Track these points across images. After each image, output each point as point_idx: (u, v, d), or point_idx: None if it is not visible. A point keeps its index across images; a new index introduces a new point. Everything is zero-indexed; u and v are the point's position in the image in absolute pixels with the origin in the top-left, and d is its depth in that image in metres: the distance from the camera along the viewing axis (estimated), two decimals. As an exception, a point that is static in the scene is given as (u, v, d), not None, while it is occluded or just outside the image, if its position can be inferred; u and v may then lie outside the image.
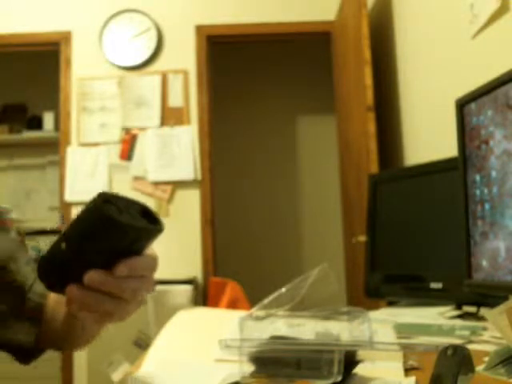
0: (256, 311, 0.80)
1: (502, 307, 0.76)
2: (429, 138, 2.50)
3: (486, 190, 0.98)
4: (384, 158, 2.94)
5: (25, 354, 0.87)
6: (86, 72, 3.71)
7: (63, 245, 0.56)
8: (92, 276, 0.57)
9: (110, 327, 0.75)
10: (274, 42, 4.54)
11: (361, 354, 0.74)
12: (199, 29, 3.76)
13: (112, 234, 0.54)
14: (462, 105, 1.06)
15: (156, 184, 3.61)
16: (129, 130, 3.65)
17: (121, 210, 0.54)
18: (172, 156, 3.61)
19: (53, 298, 0.88)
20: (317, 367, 0.70)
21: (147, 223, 0.57)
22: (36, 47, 3.87)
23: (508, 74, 0.92)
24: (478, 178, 1.01)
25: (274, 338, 0.75)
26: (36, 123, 4.53)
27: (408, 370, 0.79)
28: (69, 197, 3.59)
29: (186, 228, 3.59)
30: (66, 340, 0.89)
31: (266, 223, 4.76)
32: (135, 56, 3.72)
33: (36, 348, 0.86)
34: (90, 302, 0.59)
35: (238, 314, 0.81)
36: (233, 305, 2.50)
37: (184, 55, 3.74)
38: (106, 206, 0.53)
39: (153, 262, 0.62)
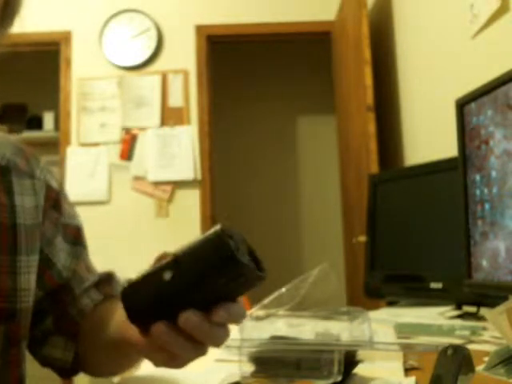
0: (256, 311, 0.80)
1: (501, 307, 0.76)
2: (429, 138, 2.50)
3: (486, 190, 0.98)
4: (384, 158, 2.94)
5: (63, 370, 0.84)
6: (85, 72, 3.71)
7: (167, 274, 0.49)
8: (190, 318, 0.51)
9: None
10: (273, 42, 4.54)
11: (361, 353, 0.74)
12: (199, 29, 3.76)
13: (230, 274, 0.48)
14: (462, 105, 1.06)
15: (156, 184, 3.61)
16: (129, 130, 3.65)
17: (238, 248, 0.49)
18: (172, 156, 3.61)
19: (95, 317, 0.82)
20: (317, 367, 0.70)
21: (255, 266, 0.50)
22: (36, 47, 3.87)
23: (508, 74, 0.92)
24: (478, 178, 1.01)
25: (274, 338, 0.75)
26: (36, 123, 4.53)
27: (408, 370, 0.79)
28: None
29: (186, 228, 3.59)
30: (101, 364, 0.83)
31: (265, 223, 4.75)
32: (135, 56, 3.72)
33: (73, 366, 0.83)
34: (174, 344, 0.53)
35: (238, 314, 0.81)
36: (233, 305, 2.50)
37: (184, 55, 3.74)
38: (231, 243, 0.48)
39: (245, 312, 0.56)
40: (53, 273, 0.82)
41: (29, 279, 0.76)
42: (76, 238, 0.87)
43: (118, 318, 0.69)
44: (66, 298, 0.83)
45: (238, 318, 0.54)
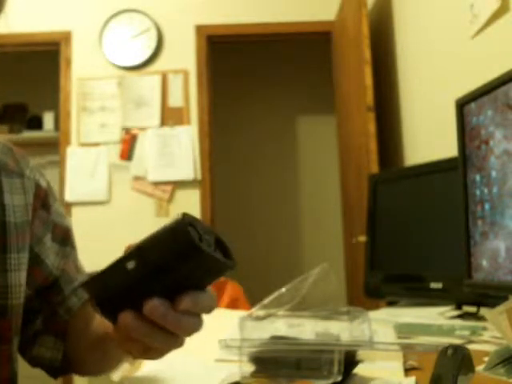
0: (256, 311, 0.80)
1: (501, 307, 0.76)
2: (429, 138, 2.50)
3: (486, 190, 0.98)
4: (384, 158, 2.94)
5: (53, 370, 0.85)
6: (85, 72, 3.71)
7: (130, 264, 0.49)
8: (155, 306, 0.51)
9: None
10: (274, 42, 4.54)
11: (361, 353, 0.74)
12: (199, 29, 3.76)
13: (191, 262, 0.49)
14: (462, 105, 1.06)
15: (156, 184, 3.61)
16: (129, 130, 3.65)
17: (201, 237, 0.49)
18: (172, 156, 3.61)
19: (81, 315, 0.84)
20: (317, 367, 0.70)
21: (223, 256, 0.51)
22: (36, 47, 3.87)
23: (508, 74, 0.92)
24: (478, 178, 1.01)
25: (274, 338, 0.75)
26: (36, 123, 4.53)
27: (408, 370, 0.79)
28: (69, 197, 3.59)
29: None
30: (89, 363, 0.84)
31: (265, 223, 4.75)
32: (135, 56, 3.72)
33: (63, 365, 0.84)
34: (142, 333, 0.53)
35: (238, 314, 0.81)
36: (233, 305, 2.50)
37: (184, 55, 3.74)
38: (191, 231, 0.48)
39: (214, 301, 0.56)
40: (42, 270, 0.83)
41: (19, 276, 0.77)
42: (64, 239, 0.88)
43: None
44: (55, 298, 0.85)
45: (204, 307, 0.54)
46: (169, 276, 0.50)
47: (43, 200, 0.85)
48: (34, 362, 0.85)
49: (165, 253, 0.49)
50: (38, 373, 0.87)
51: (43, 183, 0.86)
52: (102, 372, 0.85)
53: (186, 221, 0.48)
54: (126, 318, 0.52)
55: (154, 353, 0.57)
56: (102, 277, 0.52)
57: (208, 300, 0.54)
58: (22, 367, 0.83)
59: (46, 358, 0.83)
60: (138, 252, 0.50)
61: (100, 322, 0.72)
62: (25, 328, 0.81)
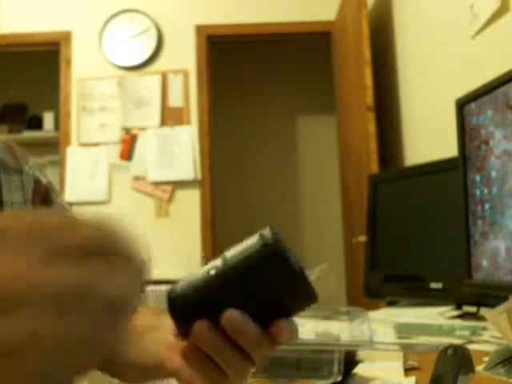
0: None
1: (502, 307, 0.76)
2: (429, 137, 2.50)
3: (486, 190, 0.98)
4: (384, 158, 2.94)
5: None
6: (85, 72, 3.71)
7: (213, 270, 0.45)
8: (233, 316, 0.45)
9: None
10: (273, 42, 4.54)
11: (361, 353, 0.74)
12: (199, 29, 3.76)
13: (279, 278, 0.44)
14: (462, 105, 1.06)
15: (156, 184, 3.61)
16: (129, 130, 3.65)
17: (292, 256, 0.44)
18: (172, 156, 3.61)
19: None
20: (317, 367, 0.70)
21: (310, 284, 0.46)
22: (36, 47, 3.87)
23: (508, 74, 0.92)
24: (478, 178, 1.01)
25: (274, 337, 0.75)
26: (36, 123, 4.53)
27: (408, 370, 0.79)
28: (69, 197, 3.59)
29: (186, 228, 3.59)
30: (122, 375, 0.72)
31: (265, 223, 4.74)
32: (135, 56, 3.72)
33: None
34: (215, 347, 0.47)
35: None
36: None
37: (184, 55, 3.74)
38: (283, 245, 0.44)
39: (296, 331, 0.49)
40: None
41: None
42: None
43: (149, 338, 0.62)
44: None
45: (292, 337, 0.48)
46: (255, 292, 0.45)
47: (43, 195, 0.85)
48: None
49: (251, 265, 0.44)
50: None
51: (43, 179, 0.86)
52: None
53: (275, 235, 0.44)
54: (201, 326, 0.46)
55: (224, 380, 0.49)
56: (184, 285, 0.47)
57: (295, 330, 0.48)
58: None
59: None
60: (223, 258, 0.46)
61: (146, 348, 0.62)
62: None
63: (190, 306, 0.46)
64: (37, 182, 0.84)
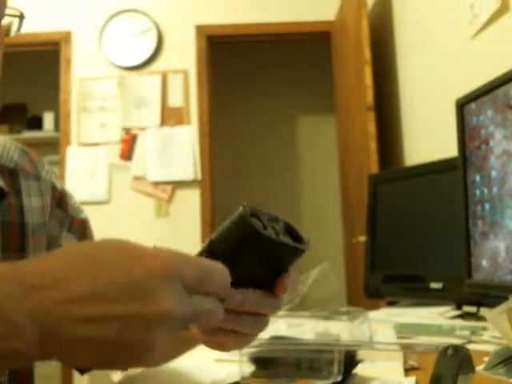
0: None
1: (502, 307, 0.76)
2: (429, 137, 2.50)
3: (486, 190, 0.98)
4: (384, 158, 2.94)
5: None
6: (86, 72, 3.71)
7: (204, 255, 0.51)
8: (237, 299, 0.50)
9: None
10: (274, 42, 4.54)
11: (361, 353, 0.74)
12: (199, 29, 3.76)
13: (258, 249, 0.50)
14: (462, 105, 1.06)
15: (156, 184, 3.61)
16: (129, 130, 3.65)
17: (264, 225, 0.50)
18: (172, 156, 3.61)
19: None
20: (317, 367, 0.70)
21: (291, 240, 0.52)
22: (36, 47, 3.87)
23: (508, 74, 0.92)
24: (478, 178, 1.01)
25: (274, 338, 0.75)
26: (36, 123, 4.53)
27: (408, 370, 0.79)
28: (69, 197, 3.58)
29: (186, 228, 3.59)
30: None
31: (266, 223, 4.75)
32: (135, 56, 3.72)
33: None
34: (231, 321, 0.52)
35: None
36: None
37: (184, 55, 3.74)
38: (253, 220, 0.49)
39: (299, 282, 0.56)
40: None
41: None
42: (82, 232, 0.90)
43: None
44: None
45: (293, 289, 0.54)
46: (242, 267, 0.50)
47: (59, 200, 0.87)
48: None
49: (231, 243, 0.50)
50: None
51: (58, 184, 0.89)
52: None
53: (247, 211, 0.49)
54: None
55: (243, 339, 0.55)
56: None
57: (295, 279, 0.54)
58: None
59: None
60: (209, 247, 0.51)
61: None
62: None
63: None
64: (53, 187, 0.87)
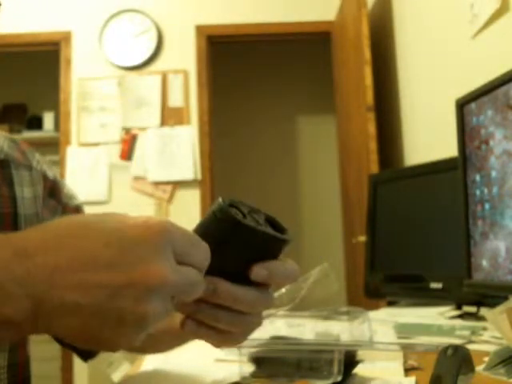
0: (256, 311, 0.80)
1: (502, 307, 0.76)
2: (429, 138, 2.50)
3: (486, 190, 0.98)
4: (384, 158, 2.94)
5: (85, 353, 0.87)
6: (86, 72, 3.71)
7: None
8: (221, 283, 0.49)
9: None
10: (274, 42, 4.54)
11: (361, 353, 0.74)
12: (199, 29, 3.76)
13: (239, 239, 0.49)
14: (462, 105, 1.06)
15: (156, 184, 3.61)
16: (129, 130, 3.65)
17: (244, 215, 0.50)
18: (172, 156, 3.61)
19: None
20: (317, 367, 0.70)
21: (272, 230, 0.51)
22: (36, 47, 3.87)
23: (508, 73, 0.92)
24: (478, 177, 1.01)
25: (274, 338, 0.75)
26: (36, 123, 4.53)
27: (408, 370, 0.78)
28: (69, 197, 3.59)
29: (186, 228, 3.59)
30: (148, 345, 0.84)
31: (266, 223, 4.75)
32: (135, 56, 3.72)
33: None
34: (206, 313, 0.50)
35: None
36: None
37: (184, 55, 3.74)
38: (232, 210, 0.49)
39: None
40: None
41: None
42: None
43: None
44: None
45: (280, 277, 0.51)
46: (222, 258, 0.49)
47: (50, 189, 0.87)
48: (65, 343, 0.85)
49: (210, 234, 0.49)
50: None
51: (50, 173, 0.88)
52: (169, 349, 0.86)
53: (225, 201, 0.49)
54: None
55: (229, 337, 0.52)
56: None
57: (284, 268, 0.51)
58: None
59: None
60: None
61: None
62: None
63: None
64: (44, 177, 0.86)
